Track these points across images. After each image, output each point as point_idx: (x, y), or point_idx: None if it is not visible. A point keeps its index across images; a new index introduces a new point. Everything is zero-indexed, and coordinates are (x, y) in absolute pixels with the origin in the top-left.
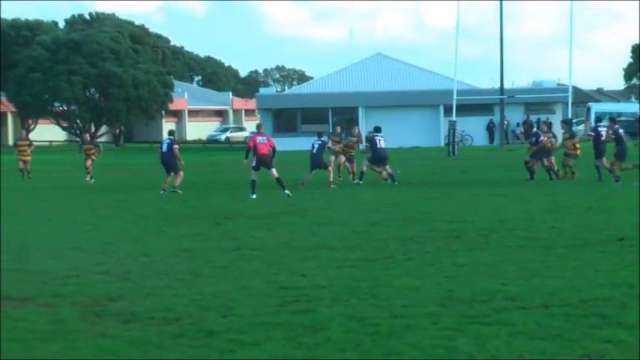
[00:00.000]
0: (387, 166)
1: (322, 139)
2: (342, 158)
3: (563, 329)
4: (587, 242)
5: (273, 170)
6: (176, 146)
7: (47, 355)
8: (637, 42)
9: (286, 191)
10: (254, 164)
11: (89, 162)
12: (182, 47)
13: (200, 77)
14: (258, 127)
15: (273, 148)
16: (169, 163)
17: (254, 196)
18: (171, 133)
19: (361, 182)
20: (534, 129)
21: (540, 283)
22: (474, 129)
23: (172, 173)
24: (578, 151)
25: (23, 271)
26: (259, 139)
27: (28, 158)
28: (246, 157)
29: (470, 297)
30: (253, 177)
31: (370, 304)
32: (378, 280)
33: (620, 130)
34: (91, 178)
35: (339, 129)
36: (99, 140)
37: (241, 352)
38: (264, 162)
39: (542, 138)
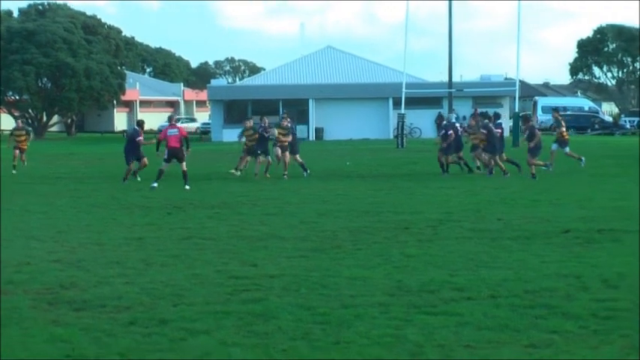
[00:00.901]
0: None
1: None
2: (278, 150)
3: (509, 319)
4: (534, 234)
5: (183, 164)
6: (139, 138)
7: (0, 341)
8: (583, 38)
9: (187, 186)
10: (165, 156)
11: (17, 152)
12: (134, 38)
13: (152, 68)
14: (170, 118)
15: (186, 139)
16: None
17: (155, 185)
18: (138, 123)
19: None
20: (444, 122)
21: (487, 274)
22: (422, 122)
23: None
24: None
25: None
26: (170, 131)
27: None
28: (157, 149)
29: (418, 287)
30: (163, 167)
31: (320, 294)
32: (328, 270)
33: (490, 125)
34: (14, 168)
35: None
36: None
37: (192, 340)
38: (174, 154)
39: (450, 132)
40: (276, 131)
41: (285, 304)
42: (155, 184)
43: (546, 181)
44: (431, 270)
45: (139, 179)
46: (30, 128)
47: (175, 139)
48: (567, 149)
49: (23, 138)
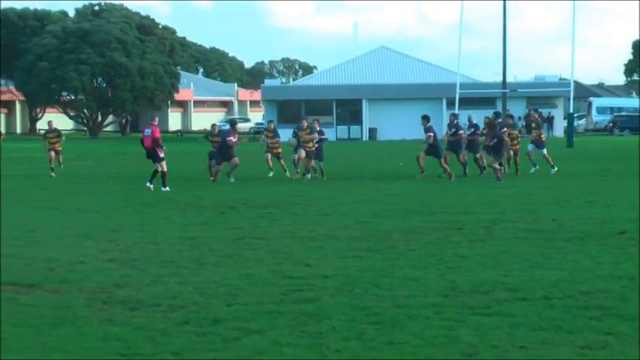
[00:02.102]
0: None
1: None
2: (302, 153)
3: (563, 320)
4: (588, 235)
5: (158, 165)
6: (230, 138)
7: (54, 340)
8: (637, 38)
9: (148, 184)
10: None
11: (52, 154)
12: (186, 39)
13: (205, 68)
14: (151, 118)
15: (155, 140)
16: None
17: (148, 185)
18: (231, 123)
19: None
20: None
21: (541, 274)
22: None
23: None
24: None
25: (30, 257)
26: (145, 131)
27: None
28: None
29: (471, 288)
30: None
31: (373, 294)
32: (381, 271)
33: (433, 127)
34: (52, 170)
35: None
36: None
37: (246, 340)
38: (148, 154)
39: (461, 132)
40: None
41: (338, 304)
42: (148, 184)
43: (600, 182)
44: (484, 270)
45: (232, 180)
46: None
47: (147, 140)
48: (544, 151)
49: (55, 140)
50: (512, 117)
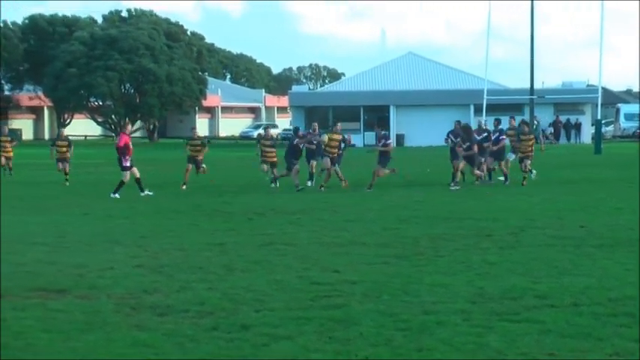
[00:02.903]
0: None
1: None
2: (328, 162)
3: (592, 328)
4: (617, 242)
5: (126, 173)
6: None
7: (84, 346)
8: None
9: (142, 193)
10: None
11: (60, 165)
12: (214, 45)
13: (233, 74)
14: (124, 125)
15: (118, 148)
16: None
17: (147, 192)
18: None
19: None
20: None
21: (570, 281)
22: (503, 128)
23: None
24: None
25: (60, 263)
26: (116, 139)
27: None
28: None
29: (500, 294)
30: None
31: (401, 301)
32: (409, 277)
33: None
34: (66, 180)
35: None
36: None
37: (274, 346)
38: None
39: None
40: (326, 137)
41: (366, 311)
42: (147, 192)
43: (628, 189)
44: (513, 277)
45: (274, 186)
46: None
47: (117, 147)
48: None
49: (65, 149)
50: (527, 123)
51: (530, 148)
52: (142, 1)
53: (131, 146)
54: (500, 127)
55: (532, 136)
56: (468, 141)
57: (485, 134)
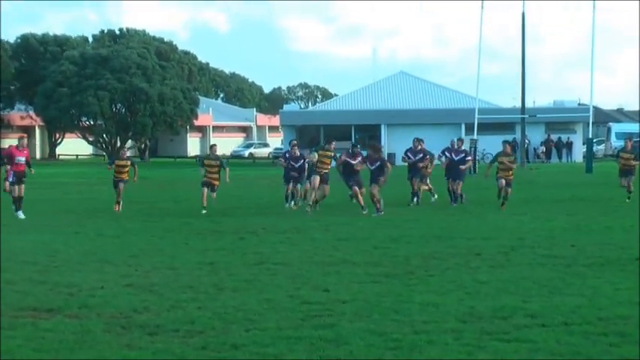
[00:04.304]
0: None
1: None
2: (317, 180)
3: (583, 347)
4: (608, 261)
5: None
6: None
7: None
8: None
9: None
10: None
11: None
12: (208, 64)
13: (224, 94)
14: (19, 140)
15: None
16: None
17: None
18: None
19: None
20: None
21: (560, 300)
22: (495, 147)
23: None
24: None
25: (50, 282)
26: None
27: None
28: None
29: (490, 314)
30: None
31: (392, 320)
32: (400, 296)
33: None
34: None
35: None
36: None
37: None
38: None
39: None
40: (315, 155)
41: (357, 330)
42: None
43: (619, 208)
44: (503, 296)
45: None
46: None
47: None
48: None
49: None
50: (510, 143)
51: (511, 172)
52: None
53: (19, 161)
54: (463, 147)
55: (513, 158)
56: (377, 161)
57: (421, 155)
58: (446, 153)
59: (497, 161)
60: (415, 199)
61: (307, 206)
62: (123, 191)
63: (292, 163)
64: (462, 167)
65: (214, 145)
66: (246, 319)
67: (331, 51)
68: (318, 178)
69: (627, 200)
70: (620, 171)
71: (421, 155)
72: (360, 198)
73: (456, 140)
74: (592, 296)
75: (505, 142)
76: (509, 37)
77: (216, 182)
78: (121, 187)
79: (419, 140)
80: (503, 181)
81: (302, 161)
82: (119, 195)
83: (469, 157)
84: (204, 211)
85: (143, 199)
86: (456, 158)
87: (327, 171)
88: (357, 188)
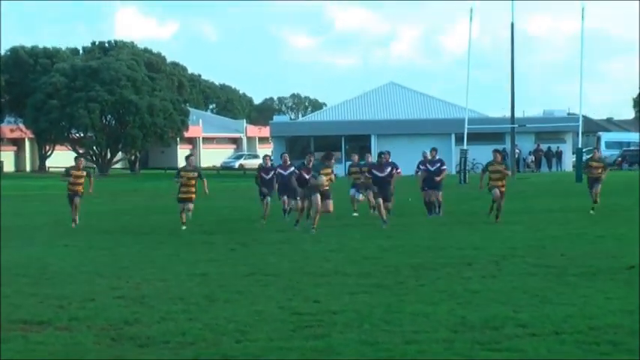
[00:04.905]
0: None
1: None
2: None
3: (574, 356)
4: (599, 270)
5: None
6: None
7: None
8: None
9: None
10: None
11: None
12: (199, 75)
13: (215, 105)
14: None
15: None
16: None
17: None
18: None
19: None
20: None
21: (551, 310)
22: (485, 157)
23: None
24: None
25: (41, 294)
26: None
27: None
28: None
29: (482, 323)
30: None
31: (383, 330)
32: (391, 306)
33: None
34: None
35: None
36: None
37: None
38: None
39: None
40: (323, 179)
41: (348, 340)
42: None
43: (610, 217)
44: (494, 306)
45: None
46: None
47: None
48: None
49: None
50: (500, 152)
51: (504, 182)
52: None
53: None
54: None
55: (504, 166)
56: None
57: (438, 165)
58: (420, 166)
59: (488, 170)
60: (438, 209)
61: (312, 228)
62: (79, 206)
63: (263, 174)
64: (437, 178)
65: (191, 155)
66: (238, 330)
67: (322, 61)
68: (318, 196)
69: (591, 212)
70: (589, 180)
71: (438, 165)
72: (384, 211)
73: (429, 151)
74: (583, 305)
75: (495, 150)
76: (500, 46)
77: (194, 195)
78: (77, 202)
79: (435, 150)
80: (498, 192)
81: (287, 172)
82: (76, 211)
83: (444, 167)
84: (183, 227)
85: (133, 211)
86: (432, 169)
87: (327, 187)
88: (380, 200)
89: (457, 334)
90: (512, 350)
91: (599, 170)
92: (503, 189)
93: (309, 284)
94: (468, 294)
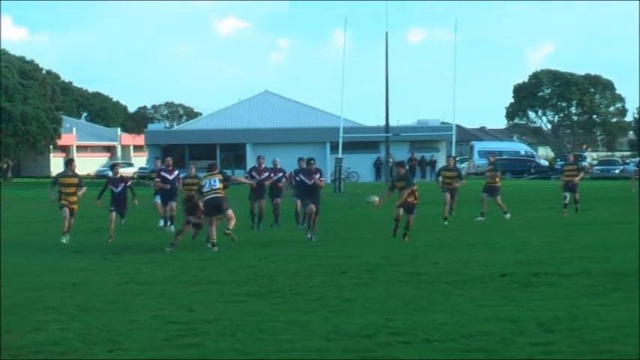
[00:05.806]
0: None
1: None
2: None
3: None
4: (471, 278)
5: None
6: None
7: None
8: (519, 82)
9: None
10: None
11: None
12: (71, 83)
13: (88, 113)
14: None
15: None
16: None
17: None
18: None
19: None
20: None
21: (424, 317)
22: (360, 166)
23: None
24: None
25: None
26: None
27: None
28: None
29: (355, 332)
30: None
31: (257, 339)
32: (265, 315)
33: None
34: None
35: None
36: None
37: None
38: None
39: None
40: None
41: (221, 349)
42: None
43: (483, 225)
44: (368, 314)
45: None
46: None
47: None
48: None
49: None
50: (454, 157)
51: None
52: None
53: None
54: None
55: (456, 173)
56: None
57: (281, 174)
58: (301, 175)
59: (441, 175)
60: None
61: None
62: None
63: (165, 175)
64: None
65: (72, 159)
66: (110, 339)
67: (199, 68)
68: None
69: (576, 212)
70: (565, 185)
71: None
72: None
73: (278, 160)
74: (455, 313)
75: (449, 156)
76: (376, 57)
77: (75, 205)
78: None
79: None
80: (448, 195)
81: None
82: None
83: (322, 178)
84: (64, 240)
85: (7, 220)
86: (309, 183)
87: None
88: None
89: (331, 342)
90: (385, 358)
91: (573, 174)
92: (454, 193)
93: (183, 293)
94: (342, 302)
